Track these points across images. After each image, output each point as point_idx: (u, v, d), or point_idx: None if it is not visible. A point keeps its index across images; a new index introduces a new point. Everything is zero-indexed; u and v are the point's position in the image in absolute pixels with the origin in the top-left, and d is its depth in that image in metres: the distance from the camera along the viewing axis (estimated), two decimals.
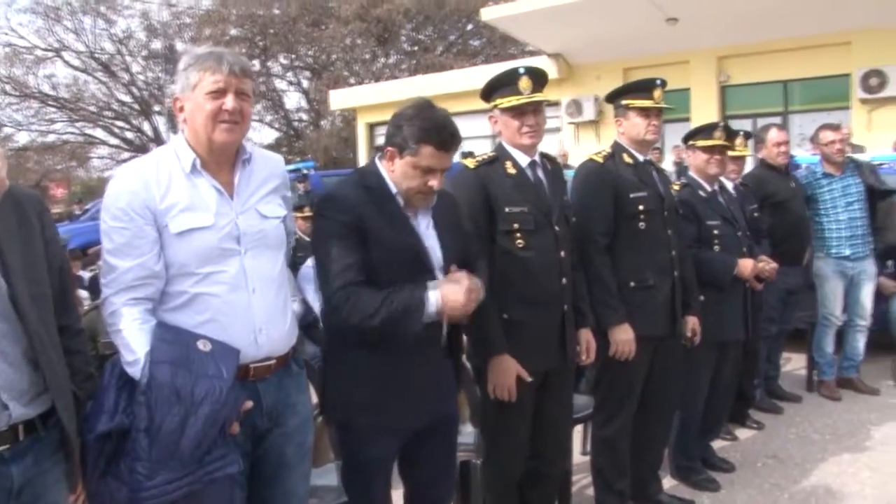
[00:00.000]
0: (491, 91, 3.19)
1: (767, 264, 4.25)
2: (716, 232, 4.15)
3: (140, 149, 29.80)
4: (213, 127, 2.21)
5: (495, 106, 3.17)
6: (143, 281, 2.17)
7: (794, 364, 5.99)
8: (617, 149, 3.63)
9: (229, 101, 2.21)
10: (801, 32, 13.33)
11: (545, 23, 14.65)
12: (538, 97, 3.10)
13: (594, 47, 15.14)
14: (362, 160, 21.24)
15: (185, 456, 2.07)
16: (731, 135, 4.41)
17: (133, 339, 2.14)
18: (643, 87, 3.61)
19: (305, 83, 31.32)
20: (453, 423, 2.81)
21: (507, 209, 3.05)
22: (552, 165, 3.30)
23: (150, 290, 2.19)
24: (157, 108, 29.50)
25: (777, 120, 13.82)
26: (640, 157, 3.60)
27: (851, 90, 13.61)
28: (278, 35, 28.11)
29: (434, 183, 2.51)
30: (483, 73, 18.13)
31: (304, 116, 32.30)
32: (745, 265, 4.12)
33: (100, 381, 2.18)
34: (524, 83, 3.09)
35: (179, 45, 29.39)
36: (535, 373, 3.07)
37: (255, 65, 30.25)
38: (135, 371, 2.11)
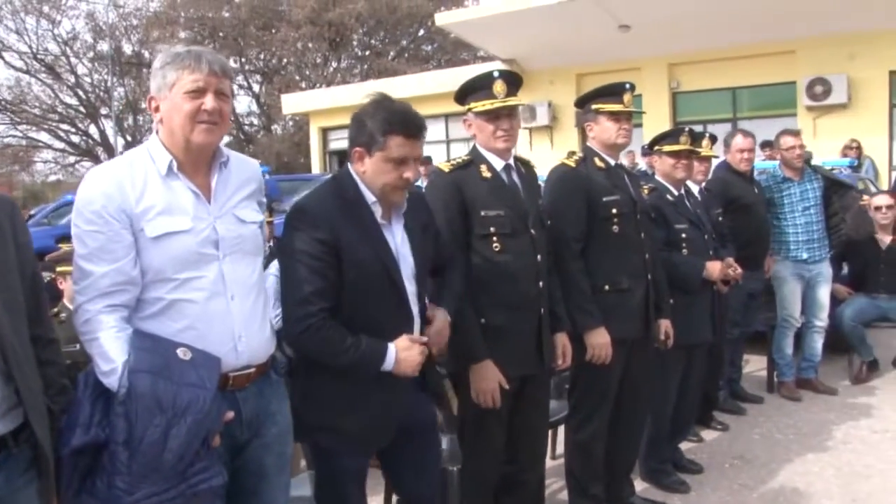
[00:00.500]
0: (465, 94, 3.17)
1: (734, 268, 4.31)
2: (683, 235, 4.19)
3: (86, 153, 29.16)
4: (192, 127, 2.13)
5: (469, 109, 3.15)
6: (119, 287, 2.08)
7: (753, 366, 6.09)
8: (588, 153, 3.64)
9: (209, 101, 2.14)
10: (749, 41, 13.62)
11: (499, 29, 14.73)
12: (512, 101, 3.09)
13: (548, 53, 15.26)
14: (315, 165, 21.08)
15: (168, 469, 1.99)
16: (696, 138, 4.46)
17: (110, 347, 2.05)
18: (613, 92, 3.62)
19: (256, 87, 31.03)
20: (429, 430, 2.77)
21: (483, 213, 3.02)
22: (526, 170, 3.29)
23: (127, 296, 2.10)
24: (104, 111, 28.86)
25: (726, 126, 14.09)
26: (612, 161, 3.62)
27: (797, 97, 13.94)
28: (228, 38, 27.77)
29: (409, 174, 2.46)
30: (436, 79, 18.37)
31: (255, 121, 31.99)
32: (714, 268, 4.17)
33: (73, 394, 2.08)
34: (498, 87, 3.07)
35: (127, 48, 28.90)
36: (512, 378, 3.05)
37: None
38: (111, 381, 2.02)
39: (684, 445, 4.57)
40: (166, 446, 1.97)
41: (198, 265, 2.15)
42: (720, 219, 4.76)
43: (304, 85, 28.55)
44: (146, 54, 28.82)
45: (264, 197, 2.51)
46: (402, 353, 2.44)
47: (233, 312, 2.19)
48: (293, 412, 2.46)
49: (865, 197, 6.88)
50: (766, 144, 9.15)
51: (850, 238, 6.15)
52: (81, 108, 27.79)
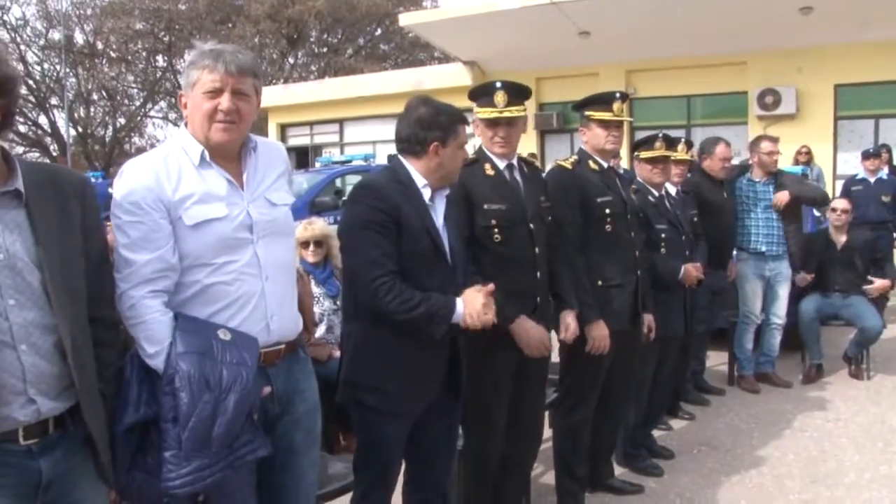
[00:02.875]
0: (475, 98, 3.40)
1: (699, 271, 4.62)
2: (663, 235, 4.48)
3: (35, 143, 28.49)
4: (209, 126, 2.26)
5: (476, 113, 3.38)
6: (161, 273, 2.19)
7: (714, 360, 6.42)
8: (583, 156, 3.89)
9: (224, 102, 2.24)
10: (704, 52, 14.10)
11: (461, 31, 14.96)
12: (510, 112, 3.30)
13: (508, 57, 15.52)
14: None
15: (218, 443, 2.12)
16: (670, 143, 4.75)
17: (155, 331, 2.16)
18: (604, 100, 3.87)
19: None
20: (455, 409, 3.00)
21: (485, 206, 3.25)
22: (529, 169, 3.53)
23: (168, 282, 2.22)
24: (54, 100, 28.28)
25: (681, 132, 14.55)
26: (605, 164, 3.88)
27: (749, 107, 14.47)
28: (184, 31, 27.47)
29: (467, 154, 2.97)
30: (396, 79, 18.48)
31: None
32: (689, 272, 4.47)
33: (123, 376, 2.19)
34: (499, 97, 3.30)
35: (80, 37, 28.36)
36: (511, 360, 3.29)
37: (159, 61, 29.51)
38: (157, 363, 2.14)
39: (656, 433, 4.87)
40: (216, 422, 2.11)
41: (234, 249, 2.28)
42: (695, 219, 5.07)
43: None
44: (99, 44, 28.39)
45: (292, 179, 2.68)
46: (468, 300, 2.66)
47: (266, 293, 2.32)
48: (342, 379, 2.71)
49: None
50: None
51: (808, 238, 6.54)
52: (31, 98, 27.18)
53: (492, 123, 3.31)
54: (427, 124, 2.76)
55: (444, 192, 2.87)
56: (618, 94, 3.86)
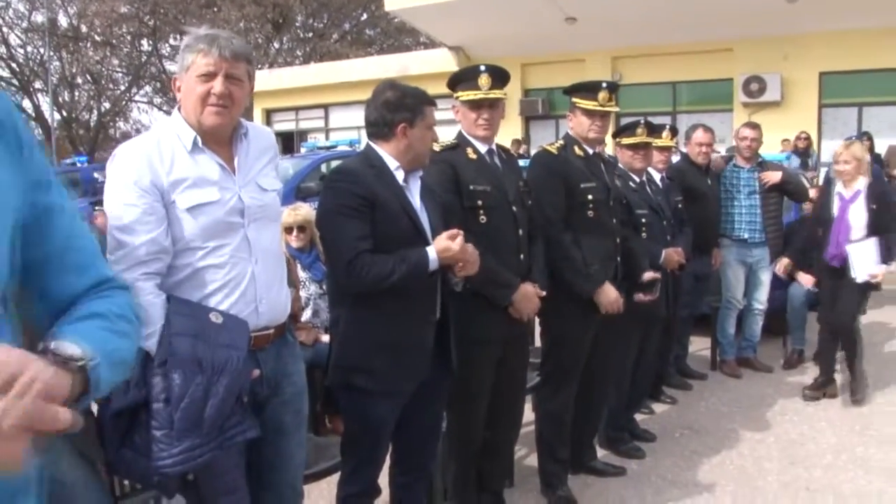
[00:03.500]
0: (455, 83, 3.41)
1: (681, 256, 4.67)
2: (644, 220, 4.52)
3: None
4: (202, 110, 2.29)
5: (457, 97, 3.40)
6: (154, 256, 2.22)
7: (697, 346, 6.49)
8: (569, 141, 3.91)
9: (217, 85, 2.27)
10: (690, 38, 14.17)
11: (447, 16, 14.95)
12: (494, 94, 3.34)
13: (494, 42, 15.53)
14: None
15: (209, 424, 2.15)
16: (653, 129, 4.79)
17: (149, 312, 2.18)
18: (590, 89, 3.88)
19: None
20: (442, 392, 3.03)
21: (471, 187, 3.27)
22: (507, 155, 3.56)
23: (160, 264, 2.24)
24: (38, 84, 28.04)
25: (666, 119, 14.62)
26: (590, 151, 3.90)
27: (734, 94, 14.55)
28: (169, 15, 27.26)
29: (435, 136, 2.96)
30: (382, 63, 18.46)
31: None
32: (671, 256, 4.51)
33: None
34: (483, 80, 3.33)
35: (63, 20, 28.09)
36: (496, 341, 3.33)
37: (144, 45, 29.28)
38: (150, 344, 2.16)
39: (638, 416, 4.92)
40: (207, 403, 2.14)
41: (225, 233, 2.31)
42: (679, 206, 5.11)
43: None
44: (83, 28, 28.11)
45: (278, 163, 2.73)
46: (439, 246, 2.73)
47: (256, 276, 2.36)
48: (332, 363, 2.74)
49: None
50: None
51: (791, 225, 6.61)
52: (14, 81, 26.91)
53: (476, 105, 3.33)
54: (394, 107, 2.80)
55: (418, 173, 2.90)
56: (604, 84, 3.87)
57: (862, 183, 5.23)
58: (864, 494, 3.91)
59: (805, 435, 4.74)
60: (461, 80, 3.40)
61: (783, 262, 5.99)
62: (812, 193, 6.89)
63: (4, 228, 1.11)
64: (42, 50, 27.27)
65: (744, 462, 4.36)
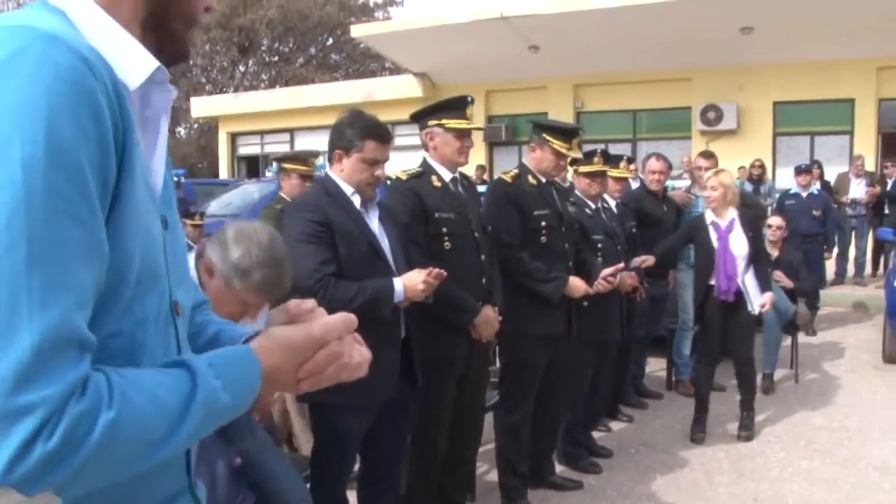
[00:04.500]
0: (438, 110, 3.53)
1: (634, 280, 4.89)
2: (599, 245, 4.72)
3: None
4: None
5: (439, 124, 3.51)
6: None
7: (653, 367, 6.70)
8: (524, 170, 4.09)
9: None
10: (650, 67, 14.54)
11: (412, 43, 15.19)
12: (477, 125, 3.58)
13: (459, 69, 15.80)
14: (223, 170, 20.98)
15: None
16: (610, 159, 5.00)
17: None
18: (566, 133, 4.08)
19: None
20: (407, 409, 3.18)
21: (436, 215, 3.43)
22: (468, 182, 3.74)
23: None
24: None
25: (626, 146, 14.98)
26: (543, 179, 4.09)
27: (692, 122, 14.95)
28: None
29: (379, 173, 2.99)
30: (347, 89, 18.62)
31: None
32: (624, 280, 4.68)
33: None
34: (469, 111, 3.52)
35: None
36: (458, 362, 3.48)
37: None
38: None
39: (596, 434, 5.10)
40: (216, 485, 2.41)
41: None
42: (633, 231, 5.32)
43: (209, 88, 28.29)
44: None
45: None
46: (406, 279, 2.89)
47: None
48: None
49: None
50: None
51: None
52: None
53: (462, 134, 3.49)
54: (337, 134, 2.99)
55: (375, 199, 3.06)
56: (581, 132, 4.21)
57: (733, 212, 5.16)
58: (806, 503, 4.11)
59: (755, 450, 4.95)
60: (447, 108, 3.52)
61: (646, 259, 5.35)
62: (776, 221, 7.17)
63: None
64: None
65: (695, 476, 4.55)
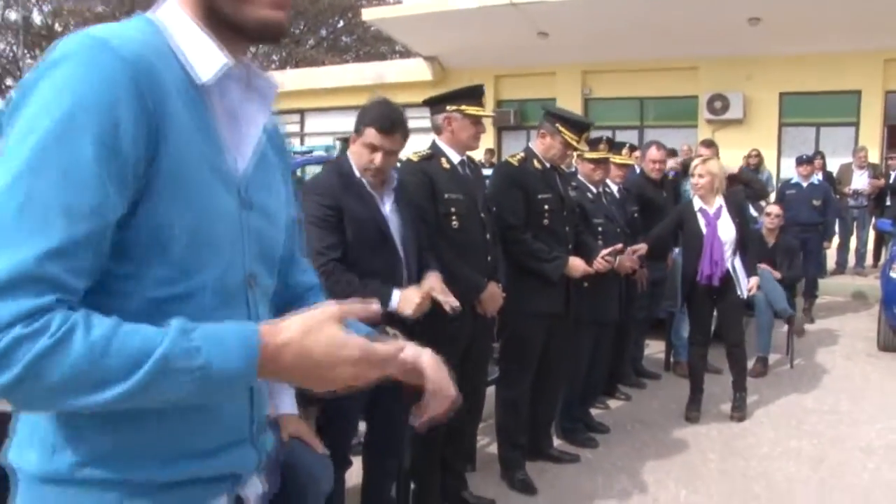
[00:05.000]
0: (457, 97, 3.69)
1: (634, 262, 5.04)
2: (600, 229, 4.88)
3: None
4: None
5: (457, 109, 3.64)
6: None
7: (652, 349, 6.87)
8: (529, 154, 4.26)
9: None
10: (657, 56, 14.62)
11: (423, 27, 15.28)
12: (491, 113, 3.73)
13: (469, 54, 15.89)
14: None
15: None
16: (617, 147, 5.17)
17: None
18: (579, 127, 4.23)
19: None
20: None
21: (445, 195, 3.60)
22: (474, 165, 3.90)
23: None
24: (9, 81, 27.92)
25: (633, 133, 15.09)
26: (548, 164, 4.25)
27: (699, 111, 15.04)
28: None
29: (377, 160, 3.10)
30: (358, 71, 18.73)
31: None
32: (623, 262, 4.84)
33: None
34: (485, 99, 3.71)
35: (38, 18, 28.03)
36: (463, 337, 3.65)
37: None
38: None
39: (594, 411, 5.29)
40: None
41: None
42: (635, 216, 5.49)
43: None
44: (58, 26, 28.08)
45: None
46: (404, 294, 3.02)
47: None
48: None
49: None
50: (670, 153, 10.03)
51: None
52: None
53: (478, 120, 3.67)
54: (357, 116, 3.16)
55: (390, 184, 3.20)
56: (590, 125, 4.38)
57: (720, 199, 5.28)
58: (792, 480, 4.30)
59: (746, 430, 5.13)
60: (466, 95, 3.67)
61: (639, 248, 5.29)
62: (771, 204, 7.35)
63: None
64: (15, 48, 27.18)
65: (688, 452, 4.73)
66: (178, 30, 1.17)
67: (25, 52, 26.85)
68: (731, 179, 6.27)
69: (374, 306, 1.18)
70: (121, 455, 1.13)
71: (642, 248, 5.21)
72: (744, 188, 6.55)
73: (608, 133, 5.26)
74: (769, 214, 7.18)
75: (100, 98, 1.01)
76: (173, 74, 1.12)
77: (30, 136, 0.99)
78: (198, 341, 1.02)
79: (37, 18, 28.55)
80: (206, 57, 1.16)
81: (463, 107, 3.65)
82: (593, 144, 4.92)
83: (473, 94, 3.66)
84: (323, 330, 1.08)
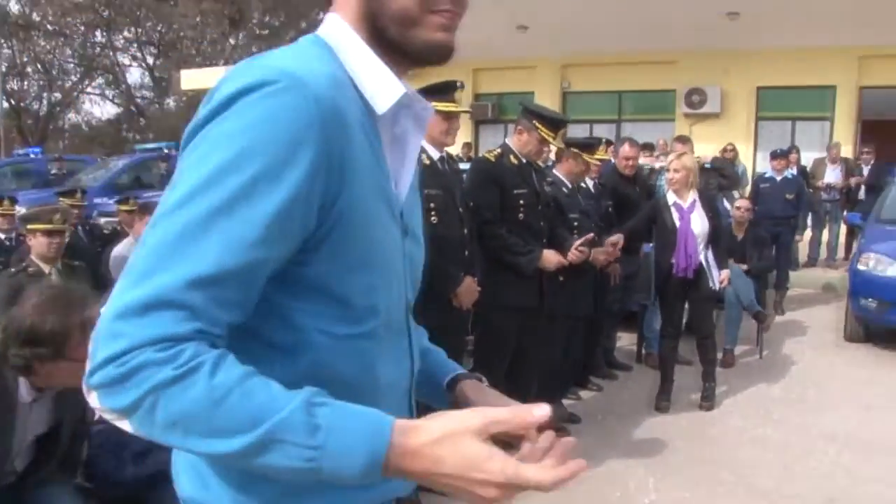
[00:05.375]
0: (427, 93, 3.75)
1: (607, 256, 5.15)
2: (575, 224, 4.99)
3: None
4: None
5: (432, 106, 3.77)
6: None
7: (624, 341, 7.01)
8: (505, 150, 4.36)
9: None
10: (635, 49, 14.72)
11: None
12: (463, 108, 3.83)
13: None
14: None
15: None
16: (588, 145, 5.28)
17: None
18: (556, 125, 4.32)
19: (150, 59, 30.43)
20: None
21: (426, 191, 3.67)
22: (451, 160, 3.99)
23: None
24: None
25: (611, 126, 15.23)
26: (524, 160, 4.35)
27: (676, 104, 15.19)
28: (125, 7, 27.14)
29: None
30: None
31: (147, 93, 31.36)
32: (597, 256, 4.94)
33: None
34: (458, 94, 3.77)
35: (15, 7, 27.74)
36: (439, 329, 3.74)
37: (98, 36, 29.09)
38: None
39: (565, 401, 5.41)
40: None
41: None
42: (610, 210, 5.61)
43: (199, 60, 28.23)
44: (35, 16, 27.85)
45: None
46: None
47: None
48: None
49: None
50: (646, 147, 10.15)
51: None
52: None
53: (450, 116, 3.75)
54: None
55: None
56: (566, 123, 4.47)
57: (694, 193, 5.39)
58: (757, 465, 4.46)
59: (715, 418, 5.28)
60: (436, 91, 3.69)
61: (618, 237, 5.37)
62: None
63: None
64: None
65: (658, 440, 4.87)
66: (353, 55, 1.14)
67: (2, 41, 26.61)
68: (703, 169, 6.43)
69: (531, 418, 1.00)
70: (287, 492, 1.10)
71: (619, 238, 5.28)
72: (717, 178, 6.68)
73: (585, 126, 5.35)
74: (739, 208, 7.34)
75: (285, 139, 0.98)
76: (354, 106, 1.09)
77: (206, 163, 0.98)
78: (321, 419, 0.93)
79: (14, 7, 28.27)
80: (383, 86, 1.13)
81: (433, 103, 3.71)
82: (592, 147, 5.04)
83: (445, 90, 3.72)
84: (460, 443, 0.95)
